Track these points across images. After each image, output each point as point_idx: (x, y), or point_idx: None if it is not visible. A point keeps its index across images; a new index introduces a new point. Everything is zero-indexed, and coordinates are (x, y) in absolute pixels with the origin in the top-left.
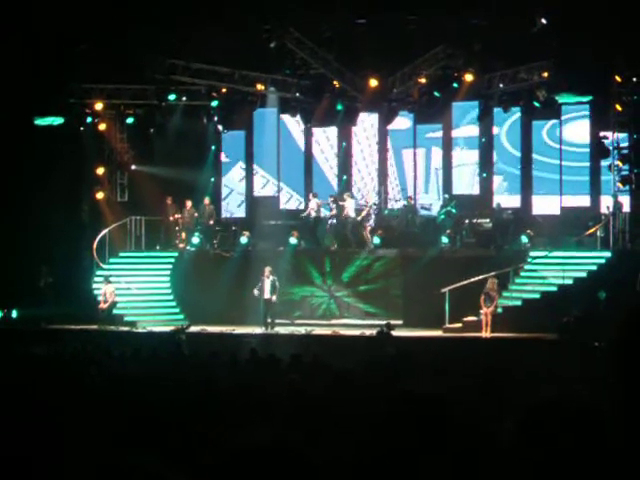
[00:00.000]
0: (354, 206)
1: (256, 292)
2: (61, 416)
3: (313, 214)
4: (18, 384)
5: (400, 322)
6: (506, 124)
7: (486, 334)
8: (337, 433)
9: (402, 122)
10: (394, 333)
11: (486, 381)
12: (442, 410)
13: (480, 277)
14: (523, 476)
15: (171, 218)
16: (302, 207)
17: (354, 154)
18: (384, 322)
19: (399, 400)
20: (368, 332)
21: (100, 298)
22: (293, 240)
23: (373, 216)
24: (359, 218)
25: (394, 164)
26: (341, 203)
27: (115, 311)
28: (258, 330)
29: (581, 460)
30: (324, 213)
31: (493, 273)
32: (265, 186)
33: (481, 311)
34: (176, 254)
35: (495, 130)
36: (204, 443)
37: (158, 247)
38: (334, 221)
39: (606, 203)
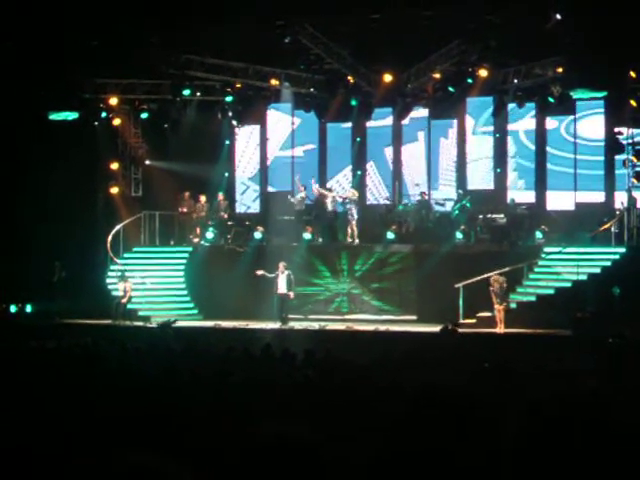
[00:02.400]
0: (332, 199)
1: (259, 272)
2: (71, 411)
3: (298, 207)
4: (29, 377)
5: (414, 317)
6: (522, 120)
7: (500, 330)
8: (352, 430)
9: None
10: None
11: (495, 376)
12: (463, 405)
13: (494, 273)
14: (528, 468)
15: (194, 215)
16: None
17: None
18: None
19: (419, 395)
20: (382, 327)
21: (119, 294)
22: (307, 235)
23: (354, 209)
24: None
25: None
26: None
27: (129, 306)
28: (272, 325)
29: (585, 453)
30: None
31: (494, 273)
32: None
33: (495, 306)
34: (190, 249)
35: (511, 126)
36: (218, 439)
37: (172, 242)
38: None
39: (620, 199)
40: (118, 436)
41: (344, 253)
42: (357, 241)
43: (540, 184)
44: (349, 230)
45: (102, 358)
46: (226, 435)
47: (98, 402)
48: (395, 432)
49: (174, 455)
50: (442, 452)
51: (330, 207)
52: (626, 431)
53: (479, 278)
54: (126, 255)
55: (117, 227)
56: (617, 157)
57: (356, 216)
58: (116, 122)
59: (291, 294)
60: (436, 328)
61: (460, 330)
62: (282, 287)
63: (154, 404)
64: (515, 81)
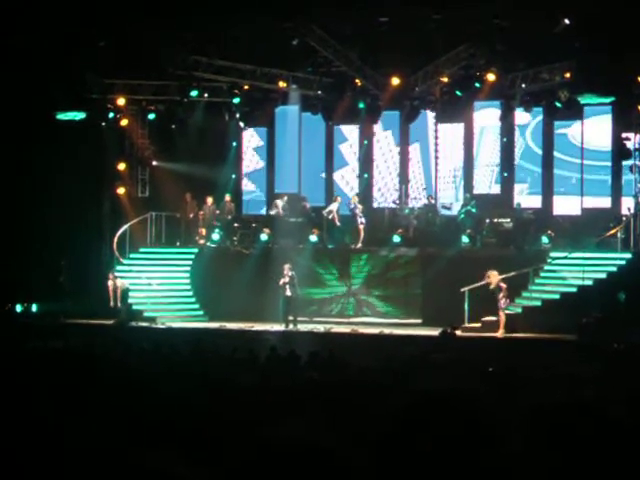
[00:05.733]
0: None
1: (282, 282)
2: (76, 411)
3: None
4: (34, 377)
5: (419, 321)
6: (530, 125)
7: (500, 334)
8: (355, 429)
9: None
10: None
11: (499, 381)
12: (467, 409)
13: (501, 277)
14: (532, 474)
15: (191, 215)
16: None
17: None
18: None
19: (416, 399)
20: (387, 331)
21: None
22: (313, 238)
23: (359, 213)
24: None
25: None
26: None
27: (135, 307)
28: (278, 327)
29: (588, 459)
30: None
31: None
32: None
33: (504, 307)
34: (196, 250)
35: (518, 130)
36: (224, 440)
37: (178, 243)
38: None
39: (627, 204)
40: (122, 435)
41: (350, 256)
42: (360, 245)
43: (547, 189)
44: (355, 234)
45: (107, 358)
46: (234, 437)
47: (102, 401)
48: (398, 434)
49: (180, 457)
50: (445, 456)
51: (331, 215)
52: (628, 437)
53: (483, 282)
54: (132, 255)
55: (123, 227)
56: (624, 163)
57: (363, 220)
58: (123, 122)
59: (294, 294)
60: None
61: (465, 334)
62: (287, 289)
63: (158, 405)
64: (523, 85)
